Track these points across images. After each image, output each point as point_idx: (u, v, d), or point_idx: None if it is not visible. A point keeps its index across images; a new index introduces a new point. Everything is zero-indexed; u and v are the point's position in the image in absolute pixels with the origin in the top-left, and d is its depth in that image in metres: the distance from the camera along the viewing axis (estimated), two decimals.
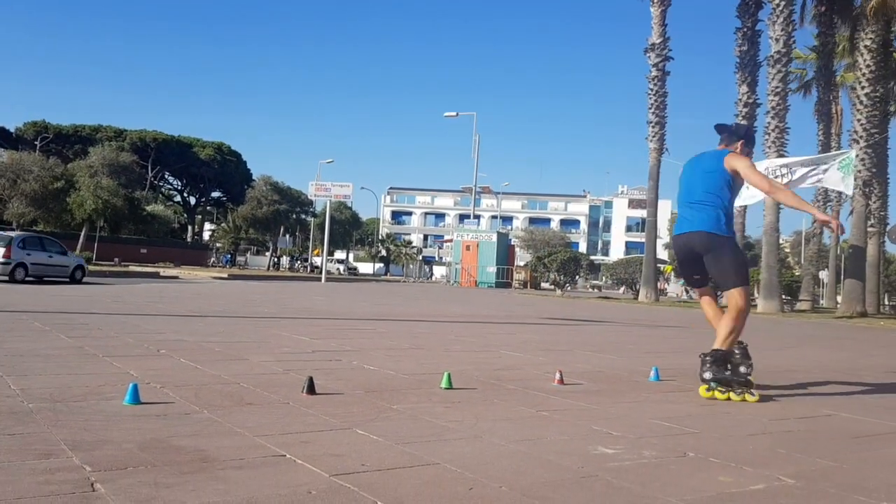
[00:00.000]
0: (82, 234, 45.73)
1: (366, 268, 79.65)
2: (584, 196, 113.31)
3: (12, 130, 70.05)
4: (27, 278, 19.13)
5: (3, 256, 18.38)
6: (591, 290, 46.91)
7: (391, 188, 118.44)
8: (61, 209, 44.26)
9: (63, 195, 43.51)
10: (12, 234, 20.58)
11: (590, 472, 2.77)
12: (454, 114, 45.88)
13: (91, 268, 32.41)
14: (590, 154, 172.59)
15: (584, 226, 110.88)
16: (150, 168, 67.71)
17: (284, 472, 2.53)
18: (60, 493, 2.17)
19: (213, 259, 64.60)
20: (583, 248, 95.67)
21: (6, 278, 18.31)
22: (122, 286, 18.82)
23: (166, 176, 77.41)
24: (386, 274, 74.02)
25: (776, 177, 19.60)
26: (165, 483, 2.33)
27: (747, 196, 19.63)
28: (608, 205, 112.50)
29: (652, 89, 32.01)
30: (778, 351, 8.97)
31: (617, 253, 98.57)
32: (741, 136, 5.23)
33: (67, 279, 20.52)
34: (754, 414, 4.27)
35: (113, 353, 5.28)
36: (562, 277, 34.69)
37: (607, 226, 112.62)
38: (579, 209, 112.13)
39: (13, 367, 4.42)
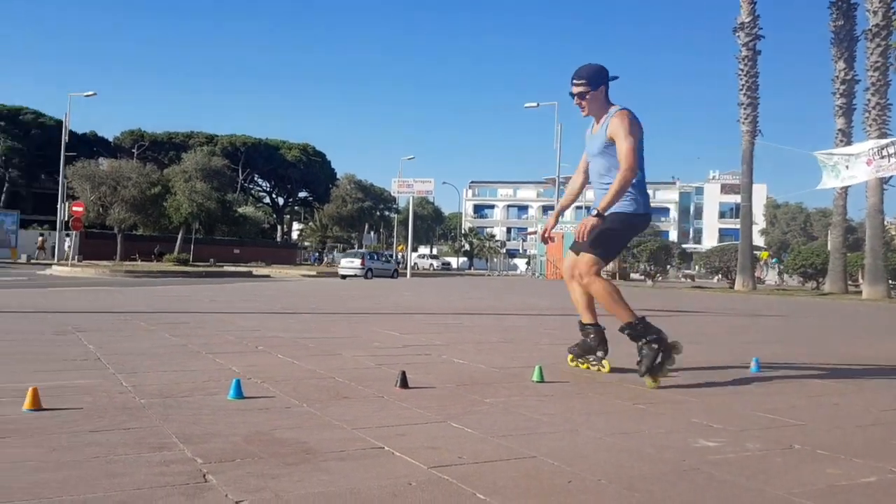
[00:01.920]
0: (179, 236, 47.84)
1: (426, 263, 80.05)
2: (674, 183, 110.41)
3: (111, 140, 73.80)
4: (372, 277, 33.45)
5: (361, 265, 37.51)
6: (683, 279, 45.67)
7: (473, 182, 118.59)
8: (159, 213, 46.38)
9: (160, 200, 45.59)
10: (362, 250, 38.08)
11: (692, 465, 2.71)
12: (535, 104, 45.50)
13: (188, 269, 33.82)
14: (678, 139, 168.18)
15: (673, 213, 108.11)
16: (240, 171, 70.09)
17: (384, 464, 2.58)
18: (176, 484, 2.28)
19: (303, 257, 66.32)
20: (673, 236, 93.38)
21: (363, 277, 34.25)
22: (219, 285, 19.54)
23: (255, 178, 79.97)
24: (469, 268, 74.23)
25: (881, 158, 18.53)
26: (272, 474, 2.41)
27: (847, 177, 18.70)
28: (699, 191, 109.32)
29: (742, 69, 30.94)
30: (883, 337, 8.52)
31: (710, 241, 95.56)
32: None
33: (390, 276, 38.27)
34: (865, 405, 4.08)
35: (215, 350, 5.50)
36: (652, 267, 33.92)
37: (698, 213, 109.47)
38: (668, 196, 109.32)
39: (124, 366, 4.66)
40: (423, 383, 4.28)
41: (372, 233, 66.50)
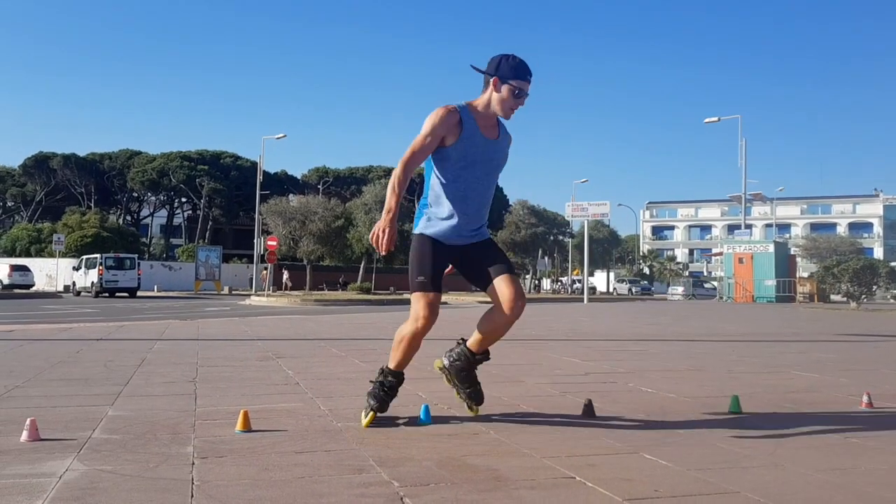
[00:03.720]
0: (361, 266, 50.25)
1: (624, 287, 77.95)
2: (876, 195, 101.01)
3: (299, 177, 79.34)
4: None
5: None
6: (893, 301, 41.48)
7: (650, 203, 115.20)
8: (343, 245, 49.03)
9: (343, 232, 48.22)
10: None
11: None
12: (716, 119, 43.51)
13: (370, 297, 35.39)
14: (877, 147, 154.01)
15: (877, 229, 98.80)
16: (416, 201, 72.67)
17: (576, 495, 2.53)
18: None
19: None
20: (878, 253, 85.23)
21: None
22: (399, 312, 20.26)
23: None
24: (650, 291, 71.79)
25: None
26: (466, 500, 2.44)
27: None
28: None
29: None
30: None
31: None
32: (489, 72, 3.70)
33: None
34: None
35: None
36: (856, 288, 31.11)
37: None
38: (871, 210, 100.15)
39: (321, 390, 4.94)
40: (610, 412, 4.17)
41: (546, 258, 66.27)
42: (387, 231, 3.51)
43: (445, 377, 4.12)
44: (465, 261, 3.87)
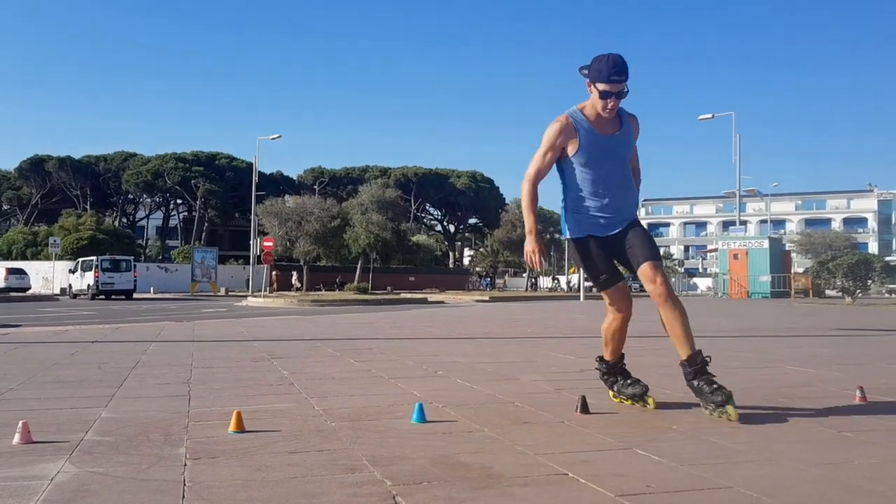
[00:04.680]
0: (358, 266, 50.21)
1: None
2: (871, 190, 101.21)
3: (295, 178, 79.26)
4: None
5: None
6: (888, 295, 41.58)
7: (645, 200, 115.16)
8: (339, 245, 48.97)
9: (340, 232, 48.16)
10: None
11: None
12: (710, 115, 43.57)
13: (367, 297, 35.47)
14: (872, 142, 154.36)
15: (872, 224, 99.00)
16: (412, 201, 72.70)
17: (569, 491, 2.53)
18: None
19: (472, 281, 66.93)
20: (873, 248, 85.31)
21: None
22: (396, 312, 20.26)
23: (427, 207, 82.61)
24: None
25: None
26: (459, 498, 2.44)
27: None
28: None
29: None
30: None
31: None
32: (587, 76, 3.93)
33: None
34: None
35: (397, 375, 5.68)
36: (851, 283, 31.18)
37: None
38: (865, 205, 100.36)
39: (315, 390, 4.93)
40: (604, 409, 4.17)
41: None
42: (536, 250, 3.99)
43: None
44: (618, 249, 4.08)
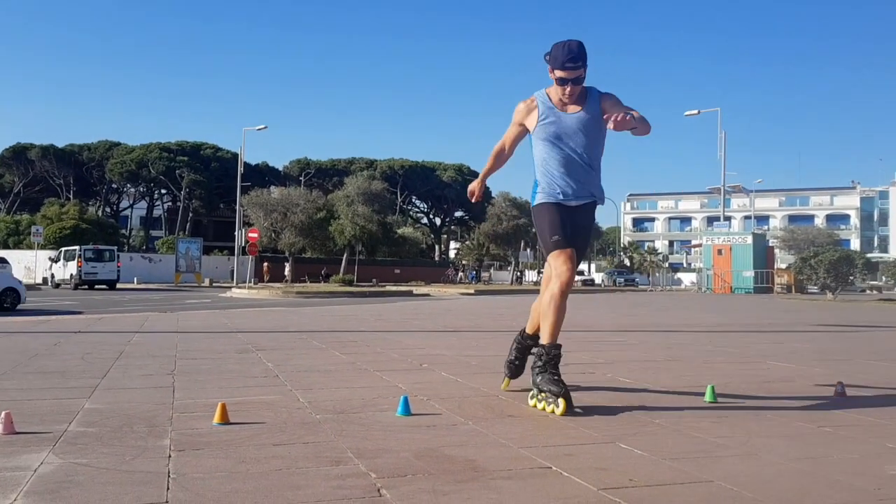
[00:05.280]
0: (344, 258, 50.09)
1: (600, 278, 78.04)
2: (853, 187, 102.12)
3: (280, 169, 78.88)
4: None
5: None
6: (869, 291, 42.00)
7: (631, 195, 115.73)
8: (325, 237, 48.81)
9: (325, 224, 47.99)
10: None
11: (889, 494, 2.47)
12: (695, 112, 43.75)
13: (352, 289, 35.43)
14: (856, 139, 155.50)
15: (855, 220, 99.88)
16: (399, 193, 72.56)
17: (552, 485, 2.55)
18: (352, 498, 2.38)
19: (447, 275, 65.66)
20: (855, 245, 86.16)
21: None
22: (382, 304, 20.26)
23: (413, 200, 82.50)
24: (634, 283, 72.25)
25: None
26: (443, 491, 2.45)
27: None
28: (883, 195, 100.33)
29: None
30: None
31: None
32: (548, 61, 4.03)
33: None
34: None
35: (382, 368, 5.69)
36: (832, 280, 31.48)
37: (883, 219, 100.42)
38: (848, 202, 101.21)
39: (300, 382, 4.93)
40: (587, 402, 4.20)
41: (528, 250, 66.40)
42: (476, 186, 4.62)
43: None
44: (574, 224, 4.14)
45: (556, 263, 4.03)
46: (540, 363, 3.94)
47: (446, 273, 63.71)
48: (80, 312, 15.89)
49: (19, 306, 17.69)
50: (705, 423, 3.65)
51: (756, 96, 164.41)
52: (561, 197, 4.12)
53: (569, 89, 4.00)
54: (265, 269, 50.24)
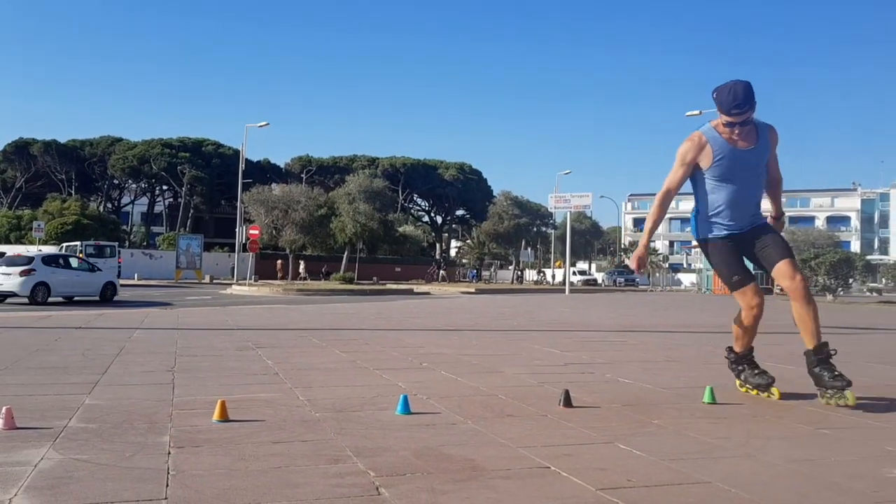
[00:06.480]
0: (344, 255, 50.09)
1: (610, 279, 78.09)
2: (854, 189, 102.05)
3: (282, 166, 78.88)
4: None
5: None
6: (869, 294, 41.98)
7: (632, 195, 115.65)
8: (326, 234, 48.80)
9: (326, 221, 47.98)
10: None
11: (887, 497, 2.48)
12: (697, 112, 43.69)
13: (353, 287, 35.43)
14: (857, 141, 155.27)
15: (855, 222, 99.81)
16: (400, 191, 72.52)
17: (551, 484, 2.56)
18: (351, 496, 2.39)
19: (429, 272, 63.27)
20: (855, 247, 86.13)
21: None
22: (383, 303, 20.27)
23: (415, 198, 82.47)
24: (635, 283, 72.24)
25: None
26: (441, 490, 2.46)
27: None
28: (884, 197, 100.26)
29: None
30: None
31: None
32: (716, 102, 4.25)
33: None
34: None
35: (382, 367, 5.70)
36: (832, 281, 31.48)
37: (884, 221, 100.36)
38: (849, 204, 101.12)
39: (300, 380, 4.94)
40: (587, 402, 4.21)
41: (529, 249, 66.33)
42: (639, 256, 4.55)
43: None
44: (748, 247, 4.38)
45: (743, 301, 4.37)
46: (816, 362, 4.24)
47: (428, 271, 62.00)
48: (169, 304, 17.27)
49: (115, 298, 20.09)
50: (703, 424, 3.66)
51: (757, 97, 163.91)
52: (733, 230, 4.33)
53: (737, 130, 4.18)
54: (279, 266, 50.20)
